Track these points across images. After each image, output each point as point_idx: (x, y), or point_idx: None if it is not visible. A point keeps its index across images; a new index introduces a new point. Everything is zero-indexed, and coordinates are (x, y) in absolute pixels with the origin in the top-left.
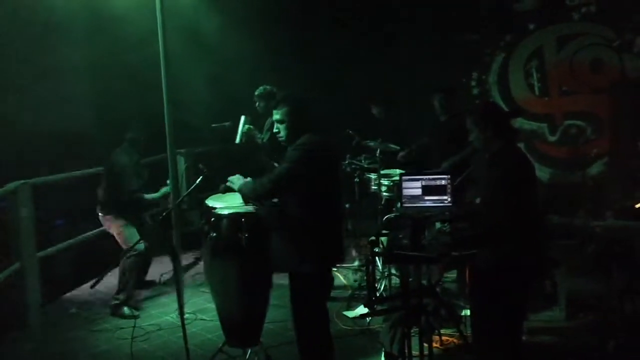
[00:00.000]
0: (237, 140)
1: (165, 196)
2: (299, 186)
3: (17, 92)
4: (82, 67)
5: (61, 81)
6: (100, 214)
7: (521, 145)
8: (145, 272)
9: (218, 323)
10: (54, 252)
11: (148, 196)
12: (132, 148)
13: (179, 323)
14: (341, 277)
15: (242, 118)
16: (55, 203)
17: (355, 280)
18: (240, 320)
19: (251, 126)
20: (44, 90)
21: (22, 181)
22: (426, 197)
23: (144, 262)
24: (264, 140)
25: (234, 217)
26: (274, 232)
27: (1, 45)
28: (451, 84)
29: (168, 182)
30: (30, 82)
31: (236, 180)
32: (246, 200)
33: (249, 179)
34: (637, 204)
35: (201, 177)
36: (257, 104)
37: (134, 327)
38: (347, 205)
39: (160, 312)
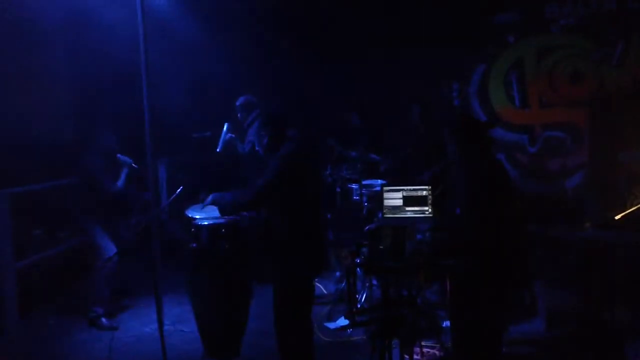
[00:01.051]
0: (218, 148)
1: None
2: (280, 196)
3: None
4: (60, 75)
5: (38, 91)
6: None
7: (501, 156)
8: (119, 281)
9: (197, 335)
10: (33, 262)
11: (120, 182)
12: (100, 153)
13: (157, 334)
14: (322, 288)
15: (225, 126)
16: (32, 213)
17: (335, 290)
18: (220, 331)
19: (233, 135)
20: (20, 100)
21: (2, 191)
22: (407, 208)
23: (118, 271)
24: (245, 151)
25: (214, 227)
26: (257, 243)
27: None
28: (430, 94)
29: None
30: (5, 91)
31: (213, 199)
32: (225, 212)
33: (227, 194)
34: (616, 215)
35: (180, 188)
36: (238, 114)
37: (112, 338)
38: (328, 216)
39: (139, 323)
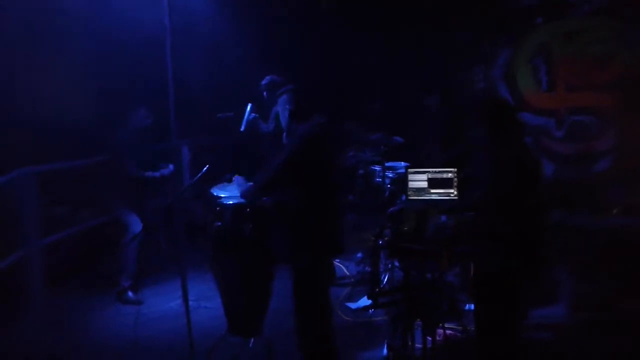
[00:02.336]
0: (242, 128)
1: (166, 178)
2: (297, 177)
3: (21, 81)
4: (85, 54)
5: (63, 70)
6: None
7: (528, 140)
8: (147, 259)
9: (221, 312)
10: (58, 239)
11: (149, 174)
12: (134, 131)
13: (182, 311)
14: (344, 269)
15: (249, 106)
16: (58, 191)
17: (357, 272)
18: (243, 309)
19: (257, 115)
20: (49, 79)
21: (27, 169)
22: (432, 190)
23: (145, 248)
24: (270, 130)
25: (239, 207)
26: (278, 223)
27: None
28: (455, 78)
29: (169, 165)
30: (35, 70)
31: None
32: (247, 198)
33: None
34: None
35: (206, 167)
36: (263, 93)
37: (138, 313)
38: (350, 197)
39: (163, 300)
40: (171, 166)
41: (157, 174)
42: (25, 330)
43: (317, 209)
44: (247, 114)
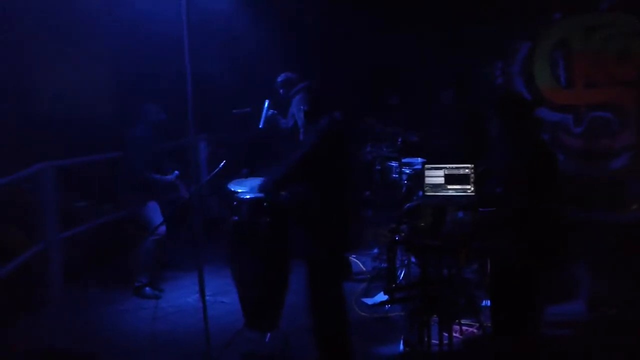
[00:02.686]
0: (261, 125)
1: (176, 182)
2: (314, 172)
3: (40, 76)
4: (102, 49)
5: (82, 65)
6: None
7: (545, 136)
8: (165, 254)
9: (238, 306)
10: (77, 233)
11: (157, 176)
12: (149, 127)
13: (199, 305)
14: (360, 264)
15: (266, 103)
16: (77, 185)
17: (373, 268)
18: (260, 304)
19: (275, 111)
20: (67, 74)
21: (47, 163)
22: (449, 186)
23: (163, 244)
24: (289, 126)
25: (256, 201)
26: (295, 218)
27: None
28: (473, 73)
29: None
30: (53, 65)
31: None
32: (264, 191)
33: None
34: None
35: (223, 162)
36: (279, 90)
37: (156, 308)
38: (367, 193)
39: (181, 294)
40: (176, 172)
41: (163, 177)
42: (44, 322)
43: (333, 205)
44: (264, 110)
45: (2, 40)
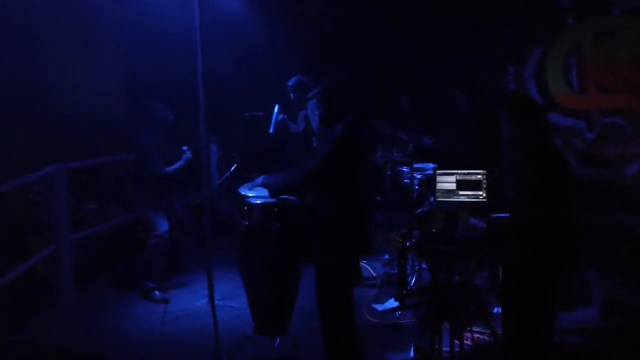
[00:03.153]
0: (271, 130)
1: (188, 162)
2: (328, 178)
3: (51, 77)
4: (113, 52)
5: (93, 68)
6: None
7: (558, 141)
8: (173, 258)
9: (247, 311)
10: (87, 235)
11: (171, 168)
12: (155, 130)
13: (209, 309)
14: (370, 270)
15: (276, 107)
16: (87, 187)
17: (384, 273)
18: (269, 308)
19: (285, 116)
20: (77, 76)
21: (59, 165)
22: (460, 192)
23: (171, 247)
24: (299, 131)
25: (266, 206)
26: (306, 223)
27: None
28: (485, 77)
29: (185, 148)
30: (64, 67)
31: (264, 181)
32: (275, 195)
33: (279, 176)
34: None
35: (234, 165)
36: (290, 94)
37: (165, 311)
38: (378, 198)
39: (191, 298)
40: (186, 150)
41: (177, 165)
42: (54, 324)
43: (346, 209)
44: (274, 115)
45: (18, 41)
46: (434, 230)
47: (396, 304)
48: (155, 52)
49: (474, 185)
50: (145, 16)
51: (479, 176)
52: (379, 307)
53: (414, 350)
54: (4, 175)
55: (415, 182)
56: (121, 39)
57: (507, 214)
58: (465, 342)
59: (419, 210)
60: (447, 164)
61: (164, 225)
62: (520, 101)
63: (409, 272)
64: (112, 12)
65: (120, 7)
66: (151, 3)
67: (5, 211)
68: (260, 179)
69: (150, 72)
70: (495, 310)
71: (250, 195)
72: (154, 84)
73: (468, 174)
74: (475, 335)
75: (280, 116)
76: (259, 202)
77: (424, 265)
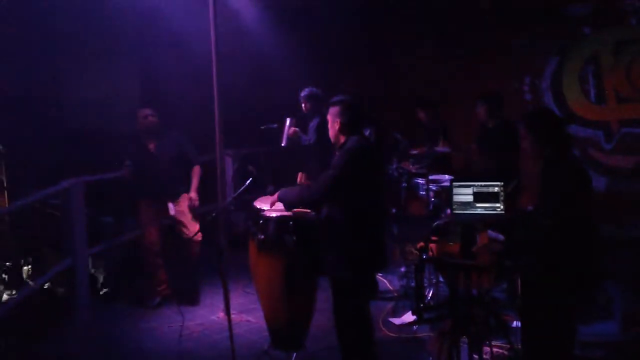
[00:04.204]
0: (283, 143)
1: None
2: (343, 191)
3: (66, 92)
4: (130, 68)
5: (110, 81)
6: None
7: (576, 152)
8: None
9: (263, 325)
10: (104, 248)
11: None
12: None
13: (225, 323)
14: (387, 283)
15: (287, 121)
16: (104, 200)
17: (401, 286)
18: (286, 323)
19: (297, 129)
20: (92, 90)
21: (77, 179)
22: (477, 204)
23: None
24: (311, 142)
25: (282, 219)
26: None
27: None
28: (501, 88)
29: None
30: (79, 81)
31: (279, 195)
32: (290, 208)
33: (293, 188)
34: None
35: (250, 179)
36: (302, 104)
37: (182, 325)
38: (393, 210)
39: (206, 312)
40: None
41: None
42: (71, 338)
43: (361, 223)
44: (286, 128)
45: (39, 55)
46: (451, 243)
47: (413, 317)
48: (172, 66)
49: (491, 197)
50: (162, 30)
51: (497, 188)
52: (396, 320)
53: None
54: (23, 188)
55: (431, 193)
56: (139, 54)
57: (526, 226)
58: (484, 356)
59: (435, 223)
60: (466, 175)
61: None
62: (540, 113)
63: (425, 285)
64: (130, 28)
65: (138, 23)
66: (169, 18)
67: (23, 224)
68: (276, 195)
69: (166, 85)
70: (515, 324)
71: (265, 208)
72: (171, 97)
73: (485, 185)
74: (495, 350)
75: (292, 129)
76: (274, 215)
77: (440, 278)
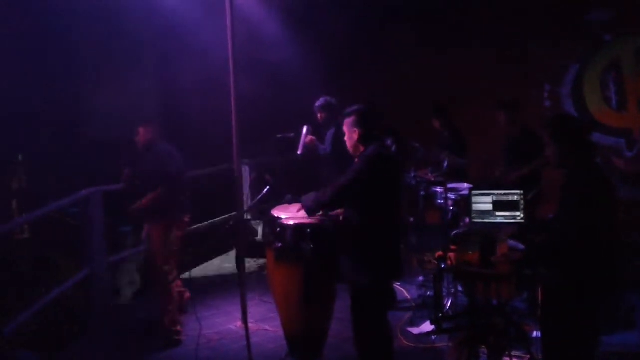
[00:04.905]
0: (299, 151)
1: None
2: (360, 197)
3: (85, 103)
4: (150, 76)
5: (129, 92)
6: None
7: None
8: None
9: (281, 333)
10: (124, 257)
11: None
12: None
13: (243, 332)
14: (404, 292)
15: (304, 129)
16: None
17: (419, 296)
18: (303, 332)
19: (314, 137)
20: (112, 100)
21: (96, 188)
22: (497, 213)
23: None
24: (328, 152)
25: (300, 227)
26: (338, 245)
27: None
28: (520, 95)
29: None
30: (99, 92)
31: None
32: (310, 212)
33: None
34: None
35: (267, 187)
36: (317, 114)
37: (199, 335)
38: (411, 219)
39: (224, 321)
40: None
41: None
42: (88, 346)
43: (379, 231)
44: (303, 136)
45: (59, 66)
46: (470, 252)
47: (431, 327)
48: (191, 75)
49: (511, 205)
50: (181, 43)
51: (517, 197)
52: (414, 330)
53: None
54: (43, 197)
55: (450, 202)
56: (158, 63)
57: (548, 235)
58: None
59: (454, 232)
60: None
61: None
62: (560, 120)
63: (444, 294)
64: (150, 39)
65: (158, 33)
66: (187, 31)
67: (42, 233)
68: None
69: (185, 95)
70: (535, 334)
71: (283, 216)
72: (189, 107)
73: (505, 194)
74: None
75: (309, 137)
76: (291, 223)
77: (459, 288)
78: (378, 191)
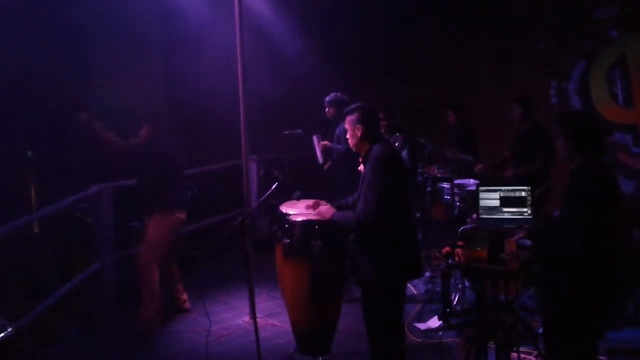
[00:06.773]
0: (320, 161)
1: None
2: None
3: (93, 99)
4: (158, 73)
5: (137, 89)
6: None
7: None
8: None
9: (289, 328)
10: (131, 253)
11: None
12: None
13: (251, 327)
14: (412, 288)
15: (315, 138)
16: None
17: (426, 292)
18: (311, 327)
19: (326, 142)
20: (120, 97)
21: (105, 184)
22: (504, 209)
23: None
24: (342, 150)
25: (308, 224)
26: (354, 245)
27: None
28: (527, 92)
29: None
30: (106, 89)
31: (326, 211)
32: (347, 230)
33: (348, 212)
34: None
35: (276, 183)
36: (326, 109)
37: (208, 330)
38: (418, 215)
39: (233, 316)
40: None
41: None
42: (97, 342)
43: (400, 230)
44: (316, 145)
45: (66, 63)
46: (478, 248)
47: (438, 323)
48: (198, 72)
49: (518, 201)
50: (189, 40)
51: (524, 193)
52: (421, 326)
53: None
54: (52, 193)
55: (457, 198)
56: (166, 61)
57: (555, 231)
58: None
59: (462, 228)
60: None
61: None
62: (571, 116)
63: (451, 290)
64: (158, 36)
65: (165, 31)
66: (195, 28)
67: (52, 229)
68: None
69: (193, 91)
70: (541, 330)
71: (291, 213)
72: (196, 103)
73: (512, 190)
74: (522, 356)
75: (322, 143)
76: (300, 219)
77: (467, 283)
78: (397, 191)
